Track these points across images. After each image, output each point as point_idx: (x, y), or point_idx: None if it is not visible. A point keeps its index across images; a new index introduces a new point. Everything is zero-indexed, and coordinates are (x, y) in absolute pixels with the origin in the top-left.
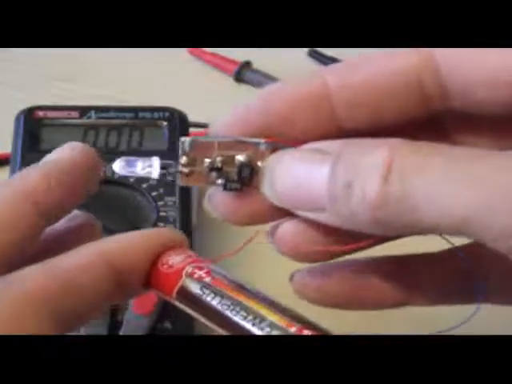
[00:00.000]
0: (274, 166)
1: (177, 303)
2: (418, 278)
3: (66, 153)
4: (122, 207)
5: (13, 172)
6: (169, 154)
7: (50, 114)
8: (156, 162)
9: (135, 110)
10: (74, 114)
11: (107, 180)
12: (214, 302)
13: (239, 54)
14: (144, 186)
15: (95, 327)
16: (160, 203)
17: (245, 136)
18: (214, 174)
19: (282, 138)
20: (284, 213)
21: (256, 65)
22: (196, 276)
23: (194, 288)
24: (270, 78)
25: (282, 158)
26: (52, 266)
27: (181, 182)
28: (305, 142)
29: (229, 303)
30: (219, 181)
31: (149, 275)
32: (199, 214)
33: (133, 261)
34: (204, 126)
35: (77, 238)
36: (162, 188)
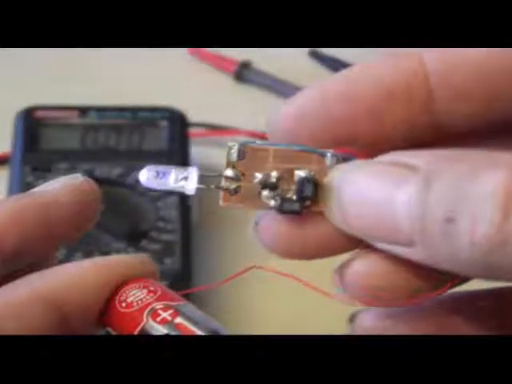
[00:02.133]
0: (344, 183)
1: None
2: None
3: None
4: (122, 207)
5: (12, 172)
6: (169, 155)
7: (50, 113)
8: (193, 173)
9: (135, 110)
10: (74, 113)
11: (107, 180)
12: None
13: (239, 54)
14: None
15: None
16: (160, 203)
17: (310, 140)
18: (266, 192)
19: (356, 150)
20: (355, 243)
21: (256, 65)
22: (159, 319)
23: (157, 333)
24: (269, 78)
25: (355, 173)
26: None
27: (222, 201)
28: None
29: None
30: (272, 202)
31: (104, 312)
32: (199, 214)
33: (80, 298)
34: (204, 125)
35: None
36: None
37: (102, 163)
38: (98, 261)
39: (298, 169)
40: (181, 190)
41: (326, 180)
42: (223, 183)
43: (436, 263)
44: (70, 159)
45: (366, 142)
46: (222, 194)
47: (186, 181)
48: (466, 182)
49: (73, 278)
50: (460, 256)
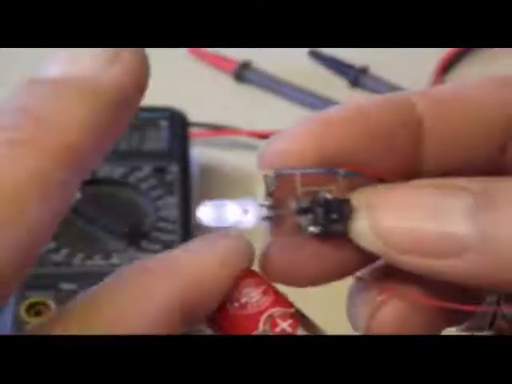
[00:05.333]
0: (379, 203)
1: None
2: None
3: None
4: (123, 207)
5: None
6: (169, 155)
7: None
8: (253, 206)
9: None
10: None
11: (107, 180)
12: None
13: (239, 54)
14: (144, 185)
15: None
16: (160, 203)
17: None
18: (303, 218)
19: (365, 168)
20: (360, 266)
21: (256, 65)
22: (279, 329)
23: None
24: (269, 78)
25: (391, 194)
26: (118, 318)
27: (273, 235)
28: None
29: None
30: (312, 228)
31: (215, 312)
32: None
33: (203, 301)
34: (204, 125)
35: None
36: (162, 188)
37: (101, 163)
38: (216, 251)
39: (323, 192)
40: (241, 225)
41: (354, 201)
42: (267, 213)
43: (496, 274)
44: None
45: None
46: (270, 226)
47: (246, 213)
48: None
49: (200, 280)
50: None
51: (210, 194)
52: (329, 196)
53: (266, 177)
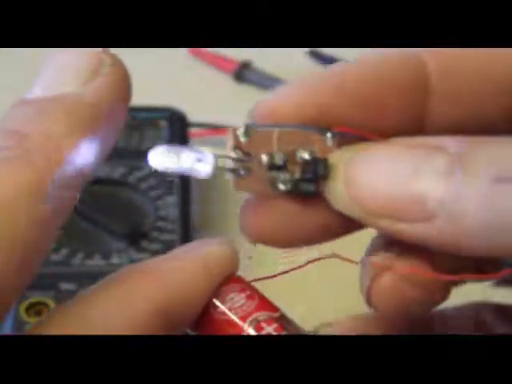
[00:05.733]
0: (356, 163)
1: None
2: None
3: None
4: (123, 207)
5: None
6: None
7: None
8: (209, 156)
9: (135, 110)
10: None
11: (107, 180)
12: None
13: (239, 54)
14: (144, 185)
15: None
16: (160, 203)
17: (303, 124)
18: (275, 174)
19: (357, 129)
20: (347, 227)
21: (256, 65)
22: (263, 334)
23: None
24: (269, 78)
25: (371, 152)
26: (100, 319)
27: (236, 186)
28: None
29: None
30: (282, 186)
31: (198, 317)
32: (199, 213)
33: (186, 308)
34: (204, 125)
35: None
36: (162, 187)
37: (101, 163)
38: (199, 257)
39: (301, 150)
40: (195, 173)
41: (331, 160)
42: (231, 165)
43: (462, 239)
44: None
45: (368, 126)
46: (233, 178)
47: (199, 162)
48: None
49: (184, 284)
50: (506, 228)
51: (209, 193)
52: (306, 155)
53: (234, 130)
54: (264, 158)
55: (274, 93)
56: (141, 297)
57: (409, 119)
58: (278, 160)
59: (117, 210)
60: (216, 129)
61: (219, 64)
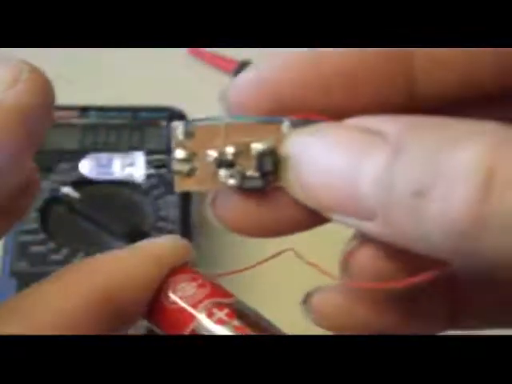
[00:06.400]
0: (303, 150)
1: None
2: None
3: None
4: (123, 207)
5: None
6: (169, 155)
7: None
8: (139, 158)
9: (135, 110)
10: (74, 113)
11: (107, 180)
12: None
13: (239, 54)
14: (144, 185)
15: None
16: (160, 202)
17: (270, 114)
18: (223, 171)
19: (315, 113)
20: (316, 218)
21: None
22: (215, 319)
23: (213, 334)
24: None
25: (315, 139)
26: (44, 312)
27: (177, 186)
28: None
29: None
30: (231, 180)
31: (149, 305)
32: (199, 213)
33: (133, 294)
34: None
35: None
36: (163, 187)
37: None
38: (147, 249)
39: (256, 142)
40: (129, 177)
41: (284, 150)
42: (175, 166)
43: (398, 241)
44: (71, 159)
45: (338, 111)
46: (175, 178)
47: (132, 167)
48: (440, 152)
49: (127, 270)
50: (427, 236)
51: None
52: (260, 147)
53: (174, 128)
54: (210, 153)
55: (247, 76)
56: (84, 283)
57: (392, 90)
58: (227, 155)
59: (117, 210)
60: None
61: (219, 64)
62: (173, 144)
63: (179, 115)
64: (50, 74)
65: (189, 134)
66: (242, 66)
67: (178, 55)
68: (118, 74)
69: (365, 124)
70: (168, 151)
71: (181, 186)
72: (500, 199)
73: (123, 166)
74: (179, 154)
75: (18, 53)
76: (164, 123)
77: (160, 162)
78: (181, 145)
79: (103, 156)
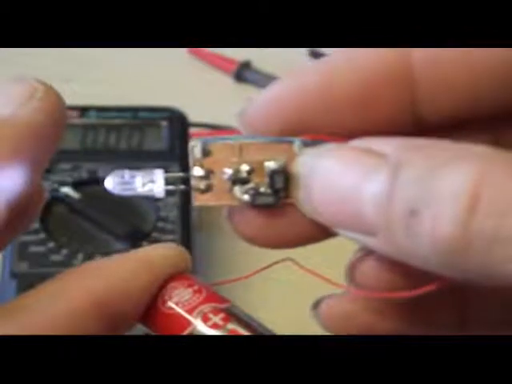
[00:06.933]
0: (314, 169)
1: None
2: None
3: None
4: (123, 208)
5: None
6: (169, 155)
7: None
8: (159, 175)
9: (135, 110)
10: (74, 113)
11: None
12: None
13: (239, 54)
14: None
15: None
16: (160, 203)
17: (282, 134)
18: (237, 187)
19: (325, 134)
20: (328, 232)
21: (256, 65)
22: (210, 324)
23: None
24: (269, 78)
25: (324, 159)
26: (32, 319)
27: (195, 201)
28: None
29: None
30: (246, 196)
31: (147, 311)
32: (200, 214)
33: (128, 301)
34: (204, 125)
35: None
36: None
37: (102, 163)
38: (143, 256)
39: (269, 160)
40: (150, 193)
41: (294, 168)
42: (193, 183)
43: (398, 256)
44: (71, 159)
45: (346, 131)
46: (193, 194)
47: (153, 183)
48: (432, 174)
49: (125, 276)
50: (420, 253)
51: None
52: (273, 165)
53: (192, 147)
54: (226, 171)
55: (261, 99)
56: (82, 287)
57: (398, 113)
58: (242, 172)
59: (117, 211)
60: (216, 129)
61: (219, 64)
62: (191, 162)
63: (179, 115)
64: (50, 74)
65: (206, 153)
66: (242, 66)
67: (178, 55)
68: (118, 74)
69: (369, 146)
70: (186, 169)
71: (198, 201)
72: (482, 224)
73: (144, 183)
74: (197, 171)
75: (18, 53)
76: (164, 123)
77: (178, 179)
78: (198, 163)
79: (126, 172)
